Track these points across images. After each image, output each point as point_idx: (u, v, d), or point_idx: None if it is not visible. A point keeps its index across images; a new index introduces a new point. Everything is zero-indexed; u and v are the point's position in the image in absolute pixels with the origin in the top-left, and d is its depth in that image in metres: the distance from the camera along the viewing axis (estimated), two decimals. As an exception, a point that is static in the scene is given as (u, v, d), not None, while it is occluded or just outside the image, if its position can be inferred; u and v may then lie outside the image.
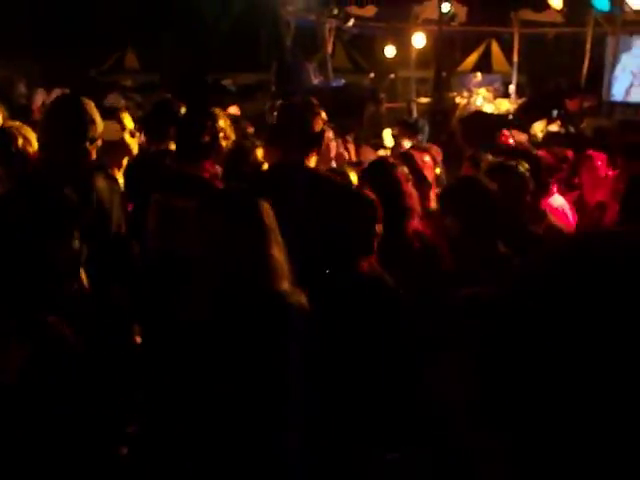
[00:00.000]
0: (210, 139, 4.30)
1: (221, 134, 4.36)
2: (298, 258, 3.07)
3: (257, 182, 4.31)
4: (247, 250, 2.89)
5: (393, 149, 8.32)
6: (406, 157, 5.25)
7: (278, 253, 2.91)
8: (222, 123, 4.41)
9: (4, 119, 5.21)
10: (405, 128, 9.45)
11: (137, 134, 5.03)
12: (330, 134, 6.52)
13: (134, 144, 4.86)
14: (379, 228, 3.64)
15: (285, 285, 2.91)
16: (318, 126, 4.20)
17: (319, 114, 4.24)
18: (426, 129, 10.67)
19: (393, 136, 9.36)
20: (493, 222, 3.80)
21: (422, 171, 5.09)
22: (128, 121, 4.83)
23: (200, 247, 2.99)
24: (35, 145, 4.27)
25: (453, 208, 3.95)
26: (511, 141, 7.44)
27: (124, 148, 4.75)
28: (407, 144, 7.84)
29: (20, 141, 4.23)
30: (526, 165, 4.49)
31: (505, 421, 0.84)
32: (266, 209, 2.97)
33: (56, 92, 15.53)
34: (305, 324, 2.93)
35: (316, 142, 4.23)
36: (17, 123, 4.57)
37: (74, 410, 2.68)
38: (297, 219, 3.42)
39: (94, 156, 4.11)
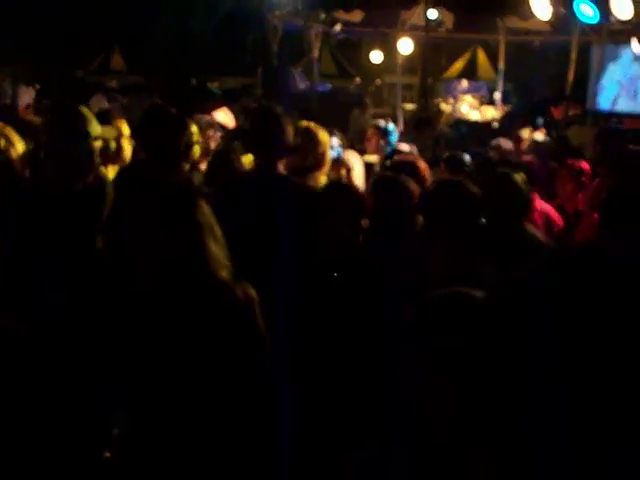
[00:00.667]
0: (185, 145, 4.36)
1: (194, 139, 4.44)
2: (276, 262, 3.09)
3: (229, 187, 4.36)
4: (183, 244, 2.92)
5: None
6: (410, 166, 4.91)
7: (215, 247, 2.94)
8: (193, 128, 4.50)
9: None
10: (378, 130, 9.43)
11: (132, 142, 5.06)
12: (335, 140, 6.54)
13: (129, 151, 4.91)
14: (365, 222, 3.49)
15: (224, 274, 2.94)
16: (287, 131, 4.25)
17: (285, 118, 4.30)
18: (396, 134, 10.70)
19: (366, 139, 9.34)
20: (476, 226, 3.73)
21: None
22: (125, 128, 4.89)
23: (138, 242, 3.05)
24: (18, 147, 4.26)
25: (434, 212, 3.86)
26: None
27: (122, 153, 4.81)
28: (405, 147, 7.69)
29: (2, 142, 4.20)
30: (522, 174, 4.41)
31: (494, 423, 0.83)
32: (201, 206, 2.99)
33: (28, 90, 15.40)
34: (251, 313, 2.94)
35: (286, 148, 4.29)
36: (-1, 124, 4.54)
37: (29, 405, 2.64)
38: (266, 222, 3.46)
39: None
